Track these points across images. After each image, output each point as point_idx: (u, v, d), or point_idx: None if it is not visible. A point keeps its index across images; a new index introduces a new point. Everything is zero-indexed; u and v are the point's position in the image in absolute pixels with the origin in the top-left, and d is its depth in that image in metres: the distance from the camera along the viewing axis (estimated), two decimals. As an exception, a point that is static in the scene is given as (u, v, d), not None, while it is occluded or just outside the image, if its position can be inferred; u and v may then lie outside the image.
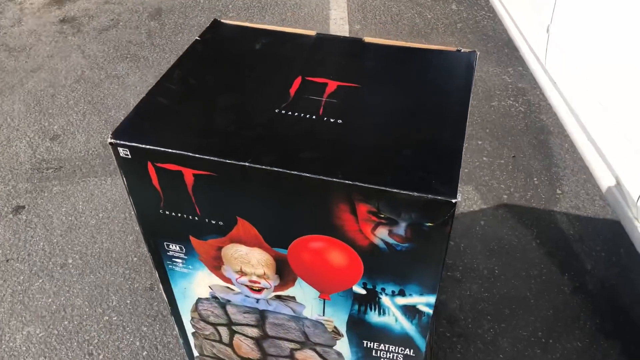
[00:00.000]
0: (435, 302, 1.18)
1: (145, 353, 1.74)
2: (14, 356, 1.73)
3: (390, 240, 1.06)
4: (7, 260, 2.02)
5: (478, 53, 1.32)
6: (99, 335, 1.79)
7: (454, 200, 0.95)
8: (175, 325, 1.44)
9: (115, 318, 1.84)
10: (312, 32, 1.37)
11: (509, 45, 3.04)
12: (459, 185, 0.99)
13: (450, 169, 1.00)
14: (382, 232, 1.05)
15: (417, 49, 1.33)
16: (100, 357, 1.73)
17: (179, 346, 1.75)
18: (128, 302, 1.88)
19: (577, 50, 1.99)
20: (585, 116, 1.94)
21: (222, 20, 1.39)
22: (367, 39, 1.35)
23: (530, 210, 2.17)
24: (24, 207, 2.23)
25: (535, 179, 2.30)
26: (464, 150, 1.05)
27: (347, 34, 3.11)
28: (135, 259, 2.02)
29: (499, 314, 1.84)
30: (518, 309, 1.85)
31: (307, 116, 1.10)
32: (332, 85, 1.21)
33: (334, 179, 0.97)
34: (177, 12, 3.48)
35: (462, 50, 1.32)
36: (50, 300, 1.89)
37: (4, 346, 1.75)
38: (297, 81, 1.20)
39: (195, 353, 1.51)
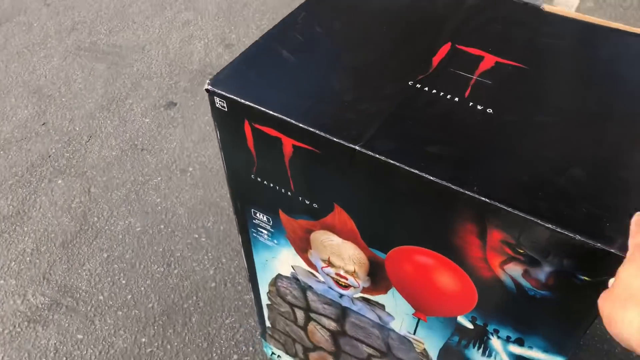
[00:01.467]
0: None
1: (213, 285, 1.72)
2: (111, 239, 1.84)
3: (523, 282, 0.79)
4: (142, 150, 2.14)
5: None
6: (182, 250, 1.81)
7: (620, 254, 0.66)
8: (252, 292, 1.35)
9: (204, 239, 1.83)
10: (471, -13, 1.07)
11: None
12: None
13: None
14: (515, 270, 0.78)
15: (617, 30, 0.97)
16: (175, 272, 1.75)
17: (246, 289, 1.69)
18: (221, 228, 1.86)
19: None
20: None
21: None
22: (549, 8, 1.02)
23: None
24: (176, 104, 2.31)
25: None
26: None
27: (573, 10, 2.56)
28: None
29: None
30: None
31: (449, 96, 0.85)
32: (489, 61, 0.92)
33: (466, 191, 0.72)
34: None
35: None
36: (158, 200, 1.96)
37: (106, 227, 1.87)
38: (445, 48, 0.94)
39: (267, 323, 1.42)
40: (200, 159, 2.09)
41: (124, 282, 1.73)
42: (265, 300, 1.32)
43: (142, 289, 1.71)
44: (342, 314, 1.15)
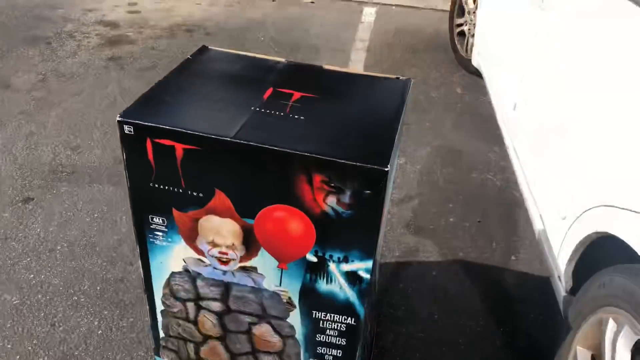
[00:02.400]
0: (373, 268, 1.39)
1: (100, 332, 1.92)
2: (-13, 316, 1.95)
3: (338, 208, 1.29)
4: (6, 239, 2.29)
5: (412, 80, 1.58)
6: (64, 311, 1.99)
7: (385, 169, 1.22)
8: (147, 305, 1.63)
9: (83, 299, 2.04)
10: (283, 59, 1.67)
11: (502, 129, 3.28)
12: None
13: (385, 151, 1.27)
14: (332, 200, 1.28)
15: (365, 75, 1.65)
16: (60, 329, 1.92)
17: (131, 330, 1.93)
18: (98, 288, 2.09)
19: (536, 128, 2.20)
20: (536, 194, 2.12)
21: (209, 47, 1.71)
22: (327, 66, 1.65)
23: (482, 269, 2.31)
24: (32, 198, 2.52)
25: (494, 244, 2.45)
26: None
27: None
28: (114, 254, 2.25)
29: (428, 353, 1.94)
30: (448, 352, 1.95)
31: (277, 113, 1.38)
32: (296, 95, 1.49)
33: (297, 152, 1.23)
34: (211, 64, 3.90)
35: (400, 78, 1.59)
36: (32, 276, 2.12)
37: (-19, 307, 1.98)
38: (269, 90, 1.49)
39: (162, 334, 1.69)
40: (67, 238, 2.31)
41: (9, 346, 1.84)
42: (159, 307, 1.63)
43: (30, 348, 1.85)
44: (226, 290, 1.53)
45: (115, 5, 4.85)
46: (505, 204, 2.70)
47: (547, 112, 2.06)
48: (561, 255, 1.78)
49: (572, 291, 1.78)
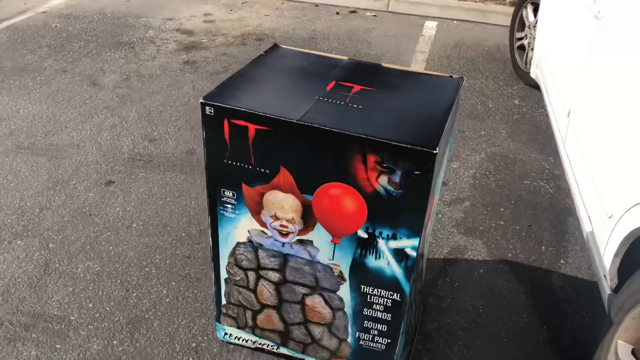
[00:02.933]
0: (419, 248, 1.53)
1: (168, 300, 2.13)
2: (72, 279, 2.19)
3: (389, 187, 1.45)
4: (89, 215, 2.56)
5: (465, 79, 1.70)
6: (138, 279, 2.21)
7: (434, 151, 1.36)
8: (213, 273, 1.83)
9: (154, 271, 2.26)
10: (346, 57, 1.84)
11: (560, 141, 3.30)
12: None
13: (434, 136, 1.42)
14: (383, 180, 1.44)
15: (421, 72, 1.79)
16: (133, 295, 2.15)
17: (195, 300, 2.13)
18: (167, 262, 2.31)
19: (586, 132, 2.26)
20: (585, 196, 2.17)
21: (280, 45, 1.89)
22: (385, 64, 1.80)
23: (530, 270, 2.36)
24: (114, 182, 2.79)
25: (543, 247, 2.49)
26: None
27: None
28: (183, 234, 2.47)
29: (471, 343, 2.02)
30: (490, 344, 2.03)
31: (338, 102, 1.55)
32: (356, 88, 1.65)
33: (354, 134, 1.40)
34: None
35: (453, 76, 1.72)
36: (110, 248, 2.37)
37: (68, 270, 2.23)
38: (332, 83, 1.66)
39: (223, 301, 1.87)
40: (142, 217, 2.55)
41: (90, 305, 2.08)
42: (224, 275, 1.81)
43: (108, 308, 2.07)
44: (284, 261, 1.69)
45: (192, 15, 5.21)
46: (556, 211, 2.73)
47: (598, 116, 2.12)
48: (607, 253, 1.83)
49: (617, 289, 1.82)
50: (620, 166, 1.83)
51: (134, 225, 2.52)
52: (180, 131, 3.29)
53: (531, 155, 3.19)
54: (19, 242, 2.38)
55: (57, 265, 2.27)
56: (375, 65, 1.82)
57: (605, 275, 1.87)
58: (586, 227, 2.11)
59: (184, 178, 2.86)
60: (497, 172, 3.03)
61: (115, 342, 1.95)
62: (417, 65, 4.28)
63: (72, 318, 2.03)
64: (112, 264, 2.29)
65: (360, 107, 1.54)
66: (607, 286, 1.86)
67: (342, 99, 1.57)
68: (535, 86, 3.87)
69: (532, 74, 3.65)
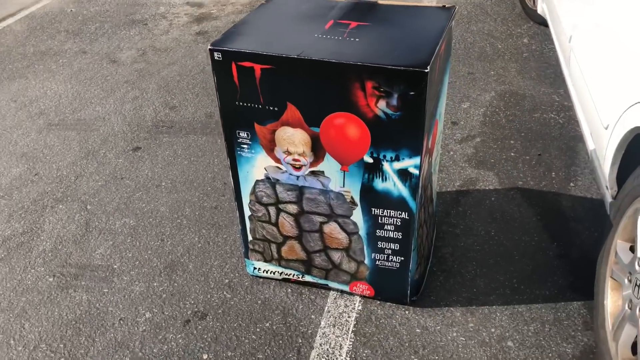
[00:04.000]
0: (421, 165, 1.66)
1: (200, 245, 2.31)
2: (111, 234, 2.39)
3: (388, 111, 1.57)
4: (121, 179, 2.74)
5: (457, 7, 1.79)
6: (171, 230, 2.39)
7: (425, 70, 1.47)
8: (237, 212, 1.99)
9: (185, 222, 2.44)
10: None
11: (569, 74, 3.34)
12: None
13: (425, 58, 1.53)
14: (382, 104, 1.57)
15: (414, 5, 1.89)
16: (168, 243, 2.33)
17: (225, 244, 2.30)
18: (197, 213, 2.48)
19: (585, 52, 2.32)
20: (587, 114, 2.24)
21: (280, -5, 2.01)
22: (381, 2, 1.90)
23: (540, 194, 2.45)
24: (140, 147, 2.97)
25: (553, 173, 2.58)
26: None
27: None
28: (209, 188, 2.63)
29: (484, 262, 2.15)
30: (502, 261, 2.15)
31: (336, 37, 1.67)
32: (353, 24, 1.77)
33: (351, 62, 1.52)
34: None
35: (445, 6, 1.81)
36: (143, 205, 2.55)
37: (107, 227, 2.42)
38: (330, 22, 1.77)
39: (249, 237, 2.04)
40: (170, 176, 2.73)
41: (130, 254, 2.27)
42: (247, 213, 1.97)
43: (146, 256, 2.26)
44: (300, 194, 1.84)
45: (200, -11, 5.32)
46: (566, 139, 2.80)
47: (593, 37, 2.18)
48: (606, 164, 1.92)
49: (617, 197, 1.91)
50: (612, 79, 1.91)
51: (163, 184, 2.69)
52: (198, 97, 3.43)
53: (541, 89, 3.24)
54: (61, 206, 2.58)
55: (97, 223, 2.46)
56: (371, 3, 1.91)
57: (606, 186, 1.96)
58: (589, 145, 2.19)
59: (205, 139, 3.02)
60: (507, 108, 3.10)
61: (155, 284, 2.14)
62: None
63: (115, 267, 2.23)
64: (146, 218, 2.47)
65: (357, 40, 1.65)
66: (608, 195, 1.95)
67: (340, 35, 1.68)
68: (543, 23, 3.88)
69: (539, 10, 3.66)
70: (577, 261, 2.13)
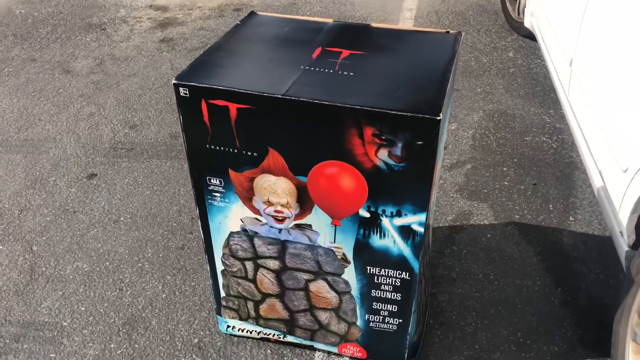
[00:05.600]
0: (426, 222, 1.41)
1: (164, 295, 2.02)
2: (60, 282, 2.08)
3: (390, 161, 1.32)
4: (74, 212, 2.42)
5: (463, 34, 1.56)
6: (131, 276, 2.10)
7: (437, 118, 1.22)
8: (208, 265, 1.71)
9: (147, 266, 2.15)
10: (331, 20, 1.68)
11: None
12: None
13: (436, 101, 1.28)
14: (383, 154, 1.31)
15: (414, 30, 1.64)
16: (127, 293, 2.03)
17: (193, 293, 2.02)
18: (160, 255, 2.19)
19: (594, 82, 2.13)
20: (594, 150, 2.06)
21: (257, 12, 1.74)
22: (374, 24, 1.65)
23: (539, 231, 2.26)
24: (96, 174, 2.65)
25: (551, 205, 2.39)
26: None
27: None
28: (174, 224, 2.34)
29: (484, 312, 1.94)
30: (504, 310, 1.94)
31: (326, 70, 1.41)
32: (345, 53, 1.51)
33: (347, 105, 1.26)
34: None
35: (450, 32, 1.58)
36: (99, 245, 2.25)
37: (56, 273, 2.11)
38: (318, 50, 1.51)
39: (222, 294, 1.76)
40: (129, 209, 2.42)
41: (82, 308, 1.97)
42: (220, 267, 1.70)
43: (101, 310, 1.96)
44: (282, 248, 1.58)
45: (163, -10, 4.97)
46: (561, 166, 2.62)
47: (606, 63, 1.99)
48: (623, 208, 1.73)
49: (635, 246, 1.73)
50: (635, 115, 1.71)
51: (122, 219, 2.39)
52: (161, 114, 3.12)
53: (531, 109, 3.06)
54: (1, 247, 2.25)
55: (44, 268, 2.14)
56: (363, 26, 1.66)
57: (621, 232, 1.77)
58: (596, 182, 2.01)
59: (169, 164, 2.72)
60: (496, 130, 2.91)
61: (112, 346, 1.84)
62: (406, 23, 4.10)
63: (65, 324, 1.92)
64: (102, 262, 2.17)
65: (352, 74, 1.40)
66: (624, 243, 1.76)
67: (331, 67, 1.43)
68: (529, 36, 3.71)
69: (527, 24, 3.48)
70: (585, 310, 1.94)
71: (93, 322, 1.92)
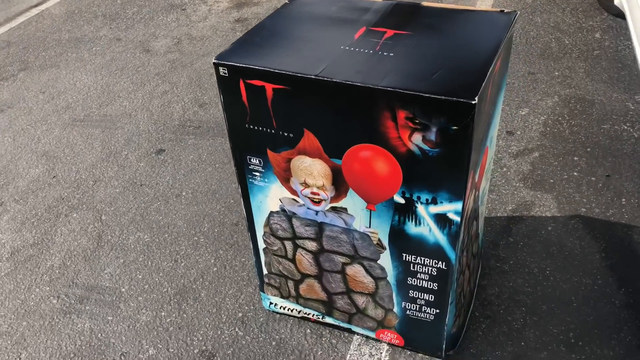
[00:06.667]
0: (463, 211, 1.36)
1: (215, 269, 2.10)
2: (123, 250, 2.22)
3: (424, 146, 1.29)
4: (140, 185, 2.56)
5: (518, 13, 1.46)
6: (186, 249, 2.20)
7: (472, 102, 1.17)
8: (250, 243, 1.76)
9: (202, 240, 2.24)
10: (381, -1, 1.65)
11: (646, 76, 2.90)
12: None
13: (473, 84, 1.22)
14: (417, 138, 1.28)
15: (466, 9, 1.56)
16: (182, 265, 2.13)
17: (242, 269, 2.08)
18: (216, 230, 2.28)
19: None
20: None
21: (306, -6, 1.72)
22: (425, 3, 1.59)
23: (607, 226, 2.10)
24: (164, 150, 2.78)
25: (623, 199, 2.21)
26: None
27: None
28: (232, 201, 2.42)
29: (535, 308, 1.84)
30: (557, 308, 1.83)
31: (366, 51, 1.38)
32: (389, 33, 1.47)
33: (379, 87, 1.24)
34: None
35: (504, 11, 1.49)
36: (160, 218, 2.37)
37: (120, 242, 2.26)
38: (362, 30, 1.49)
39: (265, 271, 1.82)
40: (191, 185, 2.53)
41: (140, 276, 2.09)
42: (261, 245, 1.73)
43: (157, 279, 2.08)
44: (319, 230, 1.58)
45: (243, -29, 5.06)
46: (642, 158, 2.42)
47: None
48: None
49: None
50: None
51: (183, 193, 2.50)
52: (229, 93, 3.21)
53: (613, 95, 2.83)
54: (75, 215, 2.43)
55: (109, 237, 2.30)
56: (413, 5, 1.61)
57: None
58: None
59: (232, 142, 2.80)
60: (571, 116, 2.72)
61: (163, 313, 1.95)
62: (485, 2, 3.92)
63: (123, 290, 2.06)
64: (162, 234, 2.29)
65: (392, 54, 1.36)
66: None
67: (372, 48, 1.40)
68: (621, 15, 3.42)
69: (617, 1, 3.21)
70: (650, 315, 1.79)
71: (148, 290, 2.04)
